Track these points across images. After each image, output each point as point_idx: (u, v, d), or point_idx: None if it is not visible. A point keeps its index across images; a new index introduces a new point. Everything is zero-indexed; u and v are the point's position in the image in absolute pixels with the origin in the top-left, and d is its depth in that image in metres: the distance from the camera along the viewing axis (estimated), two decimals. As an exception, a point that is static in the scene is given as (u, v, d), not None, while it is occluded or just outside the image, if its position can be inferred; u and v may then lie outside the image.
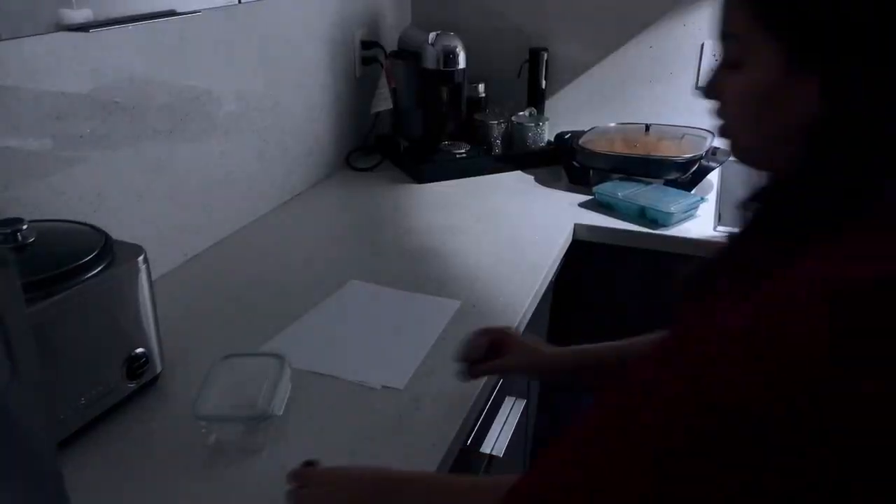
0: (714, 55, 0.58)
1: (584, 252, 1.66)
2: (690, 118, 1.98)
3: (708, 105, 0.67)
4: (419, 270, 1.45)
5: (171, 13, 0.91)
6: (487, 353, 1.02)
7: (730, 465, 0.49)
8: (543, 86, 2.11)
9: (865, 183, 0.56)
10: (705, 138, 1.82)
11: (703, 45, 1.98)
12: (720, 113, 0.67)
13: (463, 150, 2.00)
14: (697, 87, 0.66)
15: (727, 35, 0.63)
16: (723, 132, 0.67)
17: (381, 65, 2.02)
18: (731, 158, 0.69)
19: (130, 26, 1.25)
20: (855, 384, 0.47)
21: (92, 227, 1.02)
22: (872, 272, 0.48)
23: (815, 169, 0.59)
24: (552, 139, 2.04)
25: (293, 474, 0.82)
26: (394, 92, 2.01)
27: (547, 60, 2.08)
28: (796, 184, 0.61)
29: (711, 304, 0.60)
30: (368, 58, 2.04)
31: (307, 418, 1.02)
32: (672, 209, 1.61)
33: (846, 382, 0.47)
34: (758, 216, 0.66)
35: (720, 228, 1.60)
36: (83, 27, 0.80)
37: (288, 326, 1.24)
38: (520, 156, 2.03)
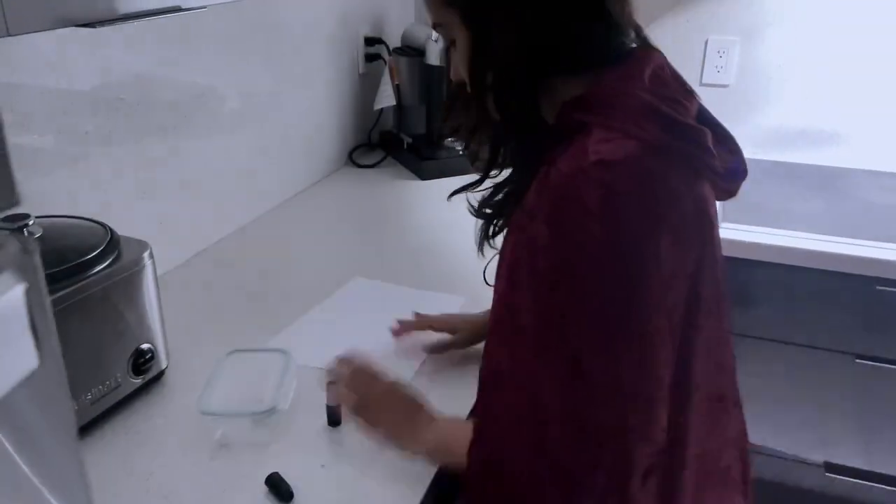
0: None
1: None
2: (694, 115, 1.97)
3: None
4: (422, 267, 1.45)
5: (177, 9, 0.91)
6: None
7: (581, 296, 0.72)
8: (547, 82, 2.10)
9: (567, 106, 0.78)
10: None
11: (706, 41, 1.98)
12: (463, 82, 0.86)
13: (466, 147, 2.00)
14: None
15: (437, 25, 0.86)
16: (473, 97, 0.85)
17: (385, 61, 2.02)
18: None
19: (136, 22, 1.26)
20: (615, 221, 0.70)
21: (98, 222, 1.02)
22: (619, 156, 0.71)
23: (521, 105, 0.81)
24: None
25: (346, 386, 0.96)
26: (397, 88, 2.01)
27: (550, 57, 2.08)
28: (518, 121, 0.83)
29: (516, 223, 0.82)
30: (372, 54, 2.05)
31: (313, 413, 1.02)
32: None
33: (610, 221, 0.70)
34: (514, 156, 0.88)
35: (724, 225, 1.60)
36: (90, 23, 0.80)
37: (292, 323, 1.24)
38: (523, 152, 2.03)
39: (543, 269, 0.75)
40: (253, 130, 1.63)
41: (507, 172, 0.91)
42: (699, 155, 0.76)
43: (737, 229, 1.57)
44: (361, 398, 0.94)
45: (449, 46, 0.87)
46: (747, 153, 1.98)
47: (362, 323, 1.25)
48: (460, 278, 1.39)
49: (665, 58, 0.84)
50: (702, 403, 0.82)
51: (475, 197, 0.93)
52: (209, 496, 0.88)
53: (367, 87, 2.06)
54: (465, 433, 0.82)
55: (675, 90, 0.81)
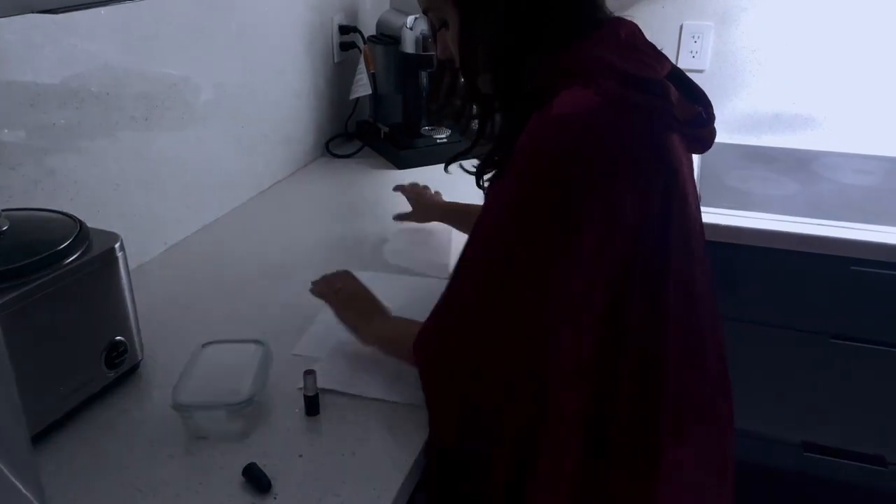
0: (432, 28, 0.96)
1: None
2: (670, 100, 1.98)
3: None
4: (401, 256, 1.44)
5: (142, -5, 0.89)
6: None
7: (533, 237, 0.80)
8: (523, 69, 2.10)
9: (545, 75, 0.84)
10: (685, 119, 1.82)
11: (681, 26, 1.98)
12: (455, 62, 0.93)
13: (444, 136, 2.00)
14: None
15: (429, 9, 0.93)
16: (464, 74, 0.93)
17: (360, 50, 2.01)
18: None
19: (103, 10, 1.24)
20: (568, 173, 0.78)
21: (66, 215, 1.01)
22: (582, 110, 0.78)
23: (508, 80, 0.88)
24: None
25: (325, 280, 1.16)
26: (373, 77, 2.00)
27: (527, 44, 2.07)
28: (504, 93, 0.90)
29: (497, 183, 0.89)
30: (347, 43, 2.03)
31: (290, 403, 1.01)
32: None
33: (563, 168, 0.78)
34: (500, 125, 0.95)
35: (701, 209, 1.60)
36: (52, 10, 0.78)
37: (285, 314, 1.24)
38: (501, 140, 2.02)
39: (500, 208, 0.84)
40: (227, 121, 1.61)
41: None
42: (660, 106, 0.81)
43: (713, 213, 1.57)
44: (336, 291, 1.12)
45: (439, 29, 0.93)
46: (723, 138, 1.99)
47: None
48: (439, 267, 1.38)
49: (637, 26, 0.89)
50: (678, 340, 0.86)
51: (471, 168, 1.00)
52: (186, 489, 0.87)
53: (342, 76, 2.05)
54: (411, 330, 0.94)
55: (644, 53, 0.86)
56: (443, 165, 1.08)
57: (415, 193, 1.50)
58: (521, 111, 0.85)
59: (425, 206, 1.48)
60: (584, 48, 0.83)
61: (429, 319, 0.93)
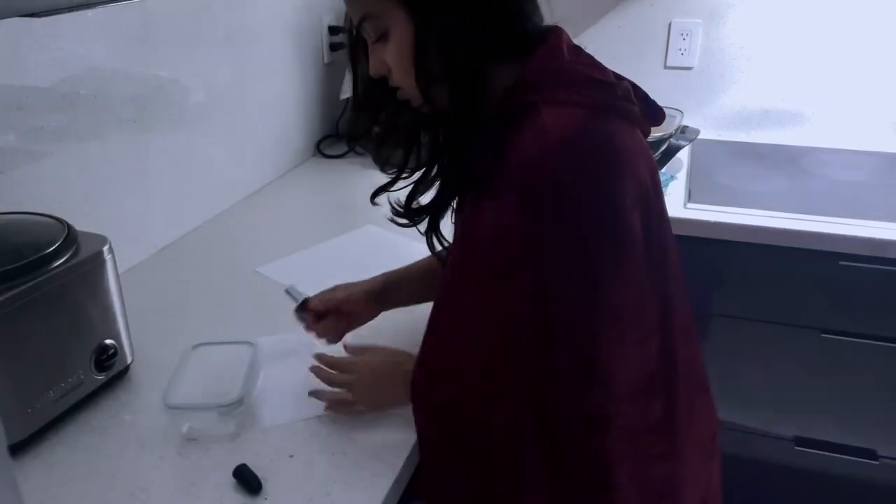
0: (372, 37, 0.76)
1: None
2: (660, 97, 1.98)
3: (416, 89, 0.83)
4: (393, 255, 1.44)
5: (127, -2, 0.89)
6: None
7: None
8: (513, 68, 2.10)
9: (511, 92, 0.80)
10: (674, 117, 1.83)
11: (670, 24, 1.99)
12: (394, 81, 0.85)
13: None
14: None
15: (367, 17, 0.82)
16: (403, 94, 0.85)
17: (350, 50, 2.00)
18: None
19: (90, 13, 1.24)
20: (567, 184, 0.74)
21: (54, 218, 1.00)
22: (577, 127, 0.76)
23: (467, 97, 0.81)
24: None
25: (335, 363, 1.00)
26: (363, 78, 1.99)
27: (516, 43, 2.08)
28: (462, 114, 0.82)
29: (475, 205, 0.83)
30: (336, 43, 2.03)
31: (279, 403, 1.01)
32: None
33: (589, 188, 0.75)
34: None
35: (690, 206, 1.61)
36: (36, 13, 0.78)
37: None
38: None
39: (523, 245, 0.77)
40: (217, 123, 1.61)
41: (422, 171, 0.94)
42: (630, 108, 0.82)
43: (702, 209, 1.58)
44: (349, 396, 0.97)
45: (376, 41, 0.84)
46: (711, 134, 2.01)
47: (358, 264, 1.24)
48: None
49: (564, 30, 0.88)
50: (678, 317, 0.87)
51: (395, 198, 0.95)
52: (177, 491, 0.87)
53: (332, 76, 2.05)
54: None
55: (585, 57, 0.86)
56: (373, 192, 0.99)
57: (328, 304, 1.11)
58: (491, 130, 0.82)
59: (353, 302, 1.11)
60: (542, 62, 0.81)
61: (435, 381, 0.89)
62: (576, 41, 0.86)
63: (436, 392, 0.89)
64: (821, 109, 1.94)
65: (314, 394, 0.99)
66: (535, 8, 0.85)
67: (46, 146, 1.19)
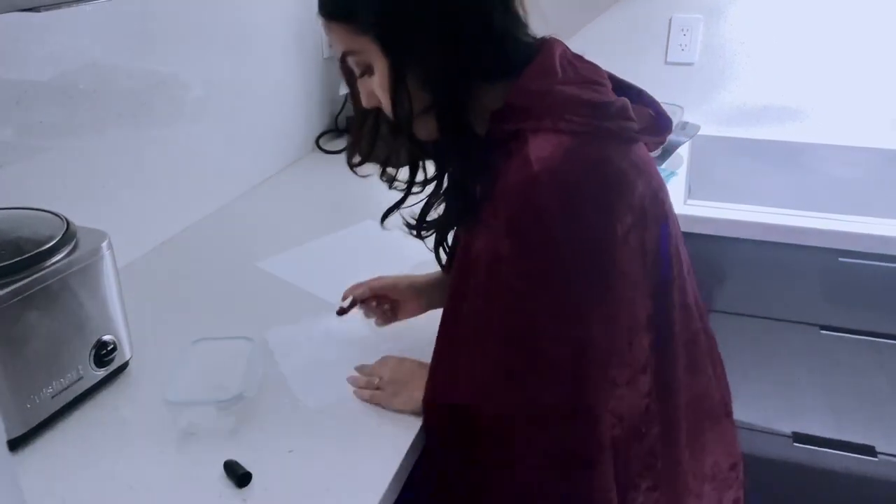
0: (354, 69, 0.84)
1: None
2: (660, 93, 1.97)
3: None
4: (394, 251, 1.44)
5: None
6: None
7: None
8: (513, 64, 2.10)
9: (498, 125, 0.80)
10: (675, 113, 1.82)
11: (670, 20, 1.98)
12: (386, 111, 0.85)
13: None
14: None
15: (348, 53, 0.84)
16: (399, 121, 0.84)
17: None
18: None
19: (89, 7, 1.23)
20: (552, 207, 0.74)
21: (53, 213, 1.00)
22: (562, 157, 0.75)
23: (451, 129, 0.82)
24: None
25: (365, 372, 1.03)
26: (363, 73, 1.99)
27: (516, 38, 2.07)
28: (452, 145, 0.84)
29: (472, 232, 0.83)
30: (336, 39, 2.02)
31: (279, 399, 1.01)
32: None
33: (573, 219, 0.75)
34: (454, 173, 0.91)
35: (690, 202, 1.61)
36: (35, 8, 0.78)
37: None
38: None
39: (509, 278, 0.78)
40: (216, 118, 1.60)
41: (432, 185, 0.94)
42: (625, 126, 0.80)
43: (702, 206, 1.58)
44: (379, 386, 1.00)
45: (361, 75, 0.85)
46: (712, 131, 1.99)
47: (357, 259, 1.26)
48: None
49: (561, 42, 0.87)
50: (681, 351, 0.86)
51: (410, 211, 0.95)
52: (175, 485, 0.87)
53: (332, 71, 2.04)
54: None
55: (584, 70, 0.84)
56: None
57: (375, 289, 1.14)
58: (479, 157, 0.82)
59: (415, 291, 1.14)
60: (530, 84, 0.80)
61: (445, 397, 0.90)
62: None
63: (442, 409, 0.90)
64: (821, 105, 1.94)
65: (350, 379, 1.03)
66: (520, 25, 0.84)
67: (45, 141, 1.19)
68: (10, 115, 1.12)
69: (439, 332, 0.90)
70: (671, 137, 1.76)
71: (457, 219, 0.90)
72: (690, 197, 1.64)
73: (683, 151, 1.83)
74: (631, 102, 0.83)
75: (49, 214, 1.00)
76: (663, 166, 1.74)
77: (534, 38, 0.86)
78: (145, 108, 1.39)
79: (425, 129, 0.84)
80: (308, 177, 1.88)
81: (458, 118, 0.82)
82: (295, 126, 1.93)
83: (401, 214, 0.95)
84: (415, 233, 0.95)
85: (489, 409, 0.83)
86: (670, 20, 1.99)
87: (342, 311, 1.13)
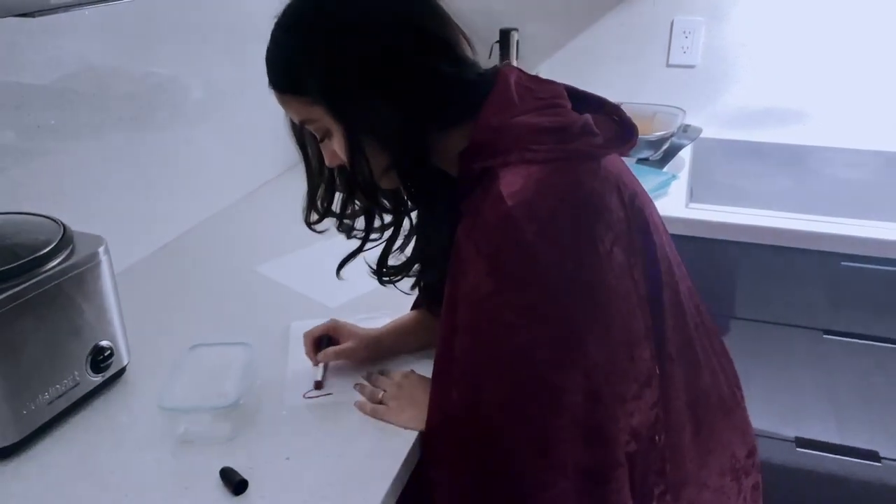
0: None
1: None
2: (661, 96, 1.97)
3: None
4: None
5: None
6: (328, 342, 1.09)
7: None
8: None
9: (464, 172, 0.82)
10: (676, 116, 1.82)
11: (672, 22, 1.97)
12: (346, 167, 0.86)
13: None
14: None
15: (305, 122, 0.86)
16: (360, 181, 0.86)
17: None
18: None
19: (87, 11, 1.23)
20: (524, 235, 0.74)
21: (50, 218, 1.00)
22: (533, 188, 0.75)
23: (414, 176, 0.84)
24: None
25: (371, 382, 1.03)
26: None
27: (518, 41, 2.07)
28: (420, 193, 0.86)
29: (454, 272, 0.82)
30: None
31: (276, 405, 1.01)
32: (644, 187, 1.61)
33: (552, 248, 0.75)
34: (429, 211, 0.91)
35: (692, 205, 1.60)
36: (30, 13, 0.77)
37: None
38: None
39: (499, 313, 0.77)
40: (215, 121, 1.60)
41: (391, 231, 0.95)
42: (590, 142, 0.80)
43: (704, 209, 1.57)
44: (382, 400, 0.99)
45: (322, 140, 0.87)
46: (714, 133, 1.98)
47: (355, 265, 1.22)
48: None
49: (513, 66, 0.87)
50: (675, 353, 0.86)
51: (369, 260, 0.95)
52: (171, 493, 0.87)
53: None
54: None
55: (542, 93, 0.84)
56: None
57: (336, 332, 1.10)
58: (446, 200, 0.83)
59: (358, 339, 1.09)
60: (491, 121, 0.80)
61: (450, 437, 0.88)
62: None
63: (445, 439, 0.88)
64: (824, 108, 1.93)
65: (357, 386, 1.03)
66: (469, 67, 0.84)
67: (43, 145, 1.18)
68: (9, 119, 1.12)
69: (434, 369, 0.88)
70: (673, 140, 1.76)
71: (435, 259, 0.90)
72: (692, 200, 1.63)
73: (685, 154, 1.82)
74: (594, 114, 0.83)
75: (46, 219, 1.00)
76: (665, 169, 1.74)
77: (484, 71, 0.86)
78: (144, 111, 1.39)
79: (390, 181, 0.86)
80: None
81: (420, 170, 0.84)
82: (295, 129, 1.93)
83: (364, 260, 0.95)
84: (377, 278, 0.95)
85: (496, 452, 0.81)
86: (672, 22, 1.98)
87: (319, 385, 1.05)
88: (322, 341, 1.08)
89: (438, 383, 0.87)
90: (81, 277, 0.96)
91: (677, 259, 0.92)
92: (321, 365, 1.06)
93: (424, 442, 0.93)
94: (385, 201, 0.93)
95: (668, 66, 2.01)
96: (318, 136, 0.88)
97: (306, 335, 1.08)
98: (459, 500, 0.86)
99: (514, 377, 0.78)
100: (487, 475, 0.82)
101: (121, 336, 1.04)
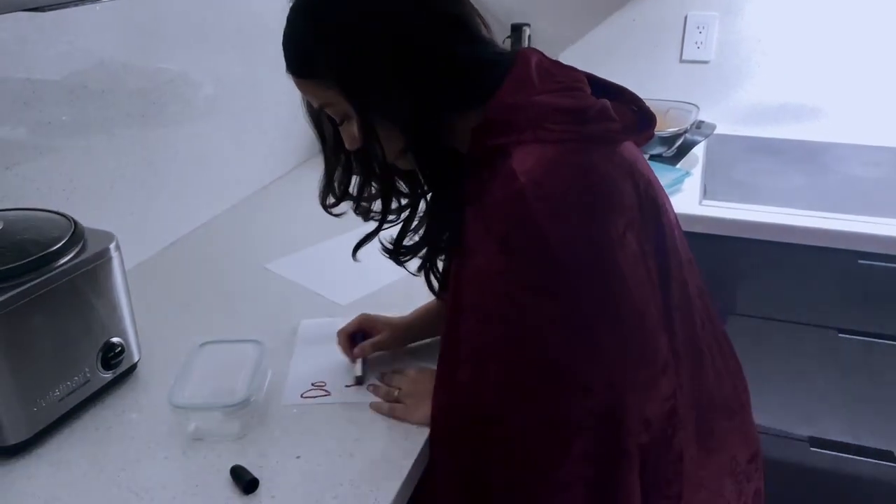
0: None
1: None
2: (675, 92, 1.95)
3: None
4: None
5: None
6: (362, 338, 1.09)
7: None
8: (526, 62, 2.08)
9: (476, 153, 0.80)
10: (690, 112, 1.80)
11: (686, 17, 1.95)
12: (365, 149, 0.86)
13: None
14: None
15: (324, 106, 0.86)
16: (376, 164, 0.87)
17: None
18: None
19: (98, 7, 1.23)
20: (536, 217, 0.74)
21: (61, 214, 0.99)
22: (546, 168, 0.74)
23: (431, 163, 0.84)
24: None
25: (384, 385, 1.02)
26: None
27: (530, 36, 2.05)
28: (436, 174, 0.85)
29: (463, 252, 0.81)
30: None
31: (287, 403, 1.00)
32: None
33: (564, 228, 0.74)
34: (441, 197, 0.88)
35: (706, 202, 1.58)
36: (40, 8, 0.77)
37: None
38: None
39: (509, 293, 0.76)
40: (226, 117, 1.60)
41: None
42: (608, 127, 0.79)
43: (718, 206, 1.55)
44: (397, 400, 0.99)
45: (341, 123, 0.86)
46: (728, 129, 1.96)
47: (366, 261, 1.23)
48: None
49: (537, 50, 0.85)
50: (682, 349, 0.84)
51: (388, 236, 0.94)
52: (182, 491, 0.86)
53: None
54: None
55: (561, 77, 0.83)
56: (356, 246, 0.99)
57: (368, 326, 1.11)
58: (459, 180, 0.81)
59: (391, 328, 1.11)
60: (508, 98, 0.79)
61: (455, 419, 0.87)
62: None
63: (452, 429, 0.87)
64: (839, 104, 1.91)
65: (370, 386, 1.02)
66: (488, 48, 0.83)
67: (54, 141, 1.18)
68: (19, 116, 1.12)
69: (440, 353, 0.88)
70: (687, 136, 1.74)
71: (443, 242, 0.89)
72: (706, 197, 1.61)
73: (699, 151, 1.80)
74: (612, 101, 0.82)
75: (56, 215, 0.99)
76: (678, 166, 1.72)
77: (503, 51, 0.85)
78: (155, 107, 1.38)
79: (405, 163, 0.86)
80: (318, 176, 1.86)
81: (436, 151, 0.83)
82: (305, 126, 1.91)
83: (379, 239, 0.94)
84: (393, 257, 0.94)
85: (500, 430, 0.81)
86: (686, 18, 1.96)
87: (360, 381, 1.05)
88: (356, 337, 1.08)
89: (444, 362, 0.87)
90: (92, 274, 0.95)
91: (689, 256, 0.91)
92: (359, 360, 1.06)
93: (431, 423, 0.92)
94: (401, 183, 0.92)
95: (682, 61, 1.99)
96: (336, 120, 0.87)
97: (340, 332, 1.09)
98: (459, 479, 0.85)
99: (522, 356, 0.78)
100: (489, 455, 0.81)
101: (131, 333, 1.04)
